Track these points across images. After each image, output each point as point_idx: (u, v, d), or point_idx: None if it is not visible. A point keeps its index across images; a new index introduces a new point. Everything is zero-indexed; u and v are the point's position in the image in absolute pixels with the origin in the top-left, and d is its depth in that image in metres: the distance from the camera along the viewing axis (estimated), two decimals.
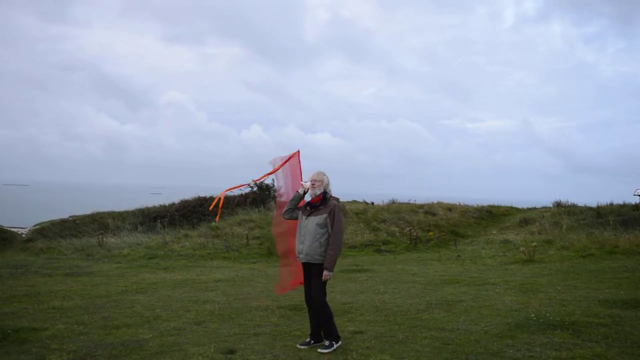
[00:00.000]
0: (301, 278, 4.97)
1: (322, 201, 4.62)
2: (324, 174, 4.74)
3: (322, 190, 4.67)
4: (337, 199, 4.77)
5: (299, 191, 4.79)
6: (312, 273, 4.56)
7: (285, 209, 4.82)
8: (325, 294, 4.63)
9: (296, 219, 4.77)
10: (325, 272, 4.46)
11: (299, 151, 5.27)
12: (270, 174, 5.27)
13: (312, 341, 4.71)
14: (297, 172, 5.24)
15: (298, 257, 4.66)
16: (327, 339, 4.57)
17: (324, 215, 4.53)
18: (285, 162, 5.22)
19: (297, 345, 4.71)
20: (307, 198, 4.78)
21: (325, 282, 4.56)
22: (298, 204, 4.77)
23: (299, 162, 5.27)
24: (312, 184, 4.69)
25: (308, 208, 4.67)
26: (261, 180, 5.18)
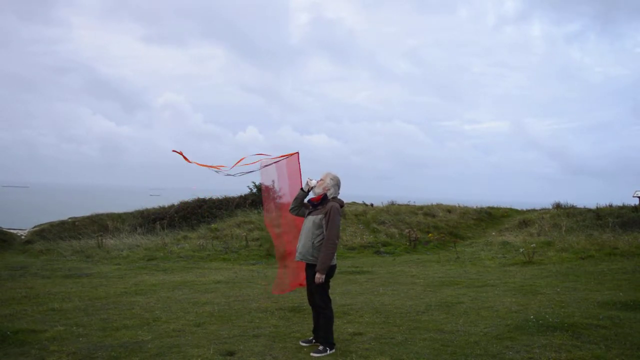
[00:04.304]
0: (301, 280, 4.99)
1: (322, 201, 4.63)
2: (332, 178, 4.70)
3: (321, 191, 4.68)
4: (341, 203, 4.69)
5: (303, 188, 4.81)
6: (309, 274, 4.57)
7: (291, 205, 4.86)
8: (328, 297, 4.60)
9: (302, 215, 4.80)
10: (317, 275, 4.40)
11: (298, 153, 5.24)
12: (260, 167, 5.16)
13: (314, 339, 4.72)
14: (297, 174, 5.22)
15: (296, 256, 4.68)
16: (321, 344, 4.54)
17: (320, 216, 4.52)
18: (279, 159, 5.17)
19: (300, 342, 4.75)
20: (312, 196, 4.81)
21: (325, 284, 4.51)
22: (302, 201, 4.81)
23: (299, 164, 5.24)
24: (318, 183, 4.73)
25: (310, 207, 4.72)
26: (243, 171, 5.27)
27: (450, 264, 11.63)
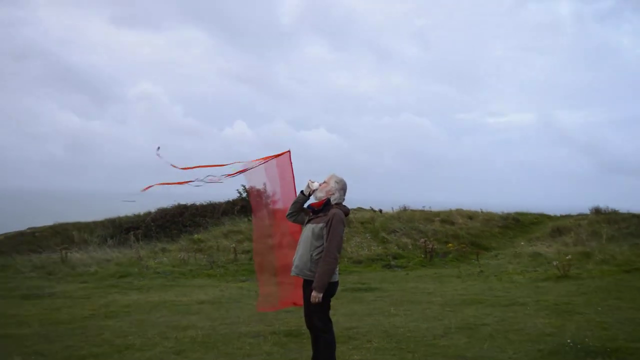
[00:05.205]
0: (295, 298, 5.00)
1: (324, 207, 4.63)
2: (337, 181, 4.72)
3: (324, 196, 4.68)
4: (346, 210, 4.69)
5: (303, 191, 4.82)
6: (306, 292, 4.54)
7: (288, 211, 4.87)
8: (328, 319, 4.58)
9: (301, 222, 4.81)
10: (313, 293, 4.36)
11: (289, 151, 5.27)
12: (243, 171, 5.24)
13: None
14: (289, 175, 5.25)
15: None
16: None
17: (321, 225, 4.51)
18: (268, 159, 5.20)
19: None
20: (313, 200, 4.82)
21: (324, 304, 4.47)
22: (302, 206, 4.82)
23: (290, 163, 5.27)
24: (320, 186, 4.75)
25: (310, 213, 4.72)
26: (233, 176, 5.37)
27: (472, 279, 11.72)
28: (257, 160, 5.27)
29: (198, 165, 5.29)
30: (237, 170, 5.28)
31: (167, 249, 15.25)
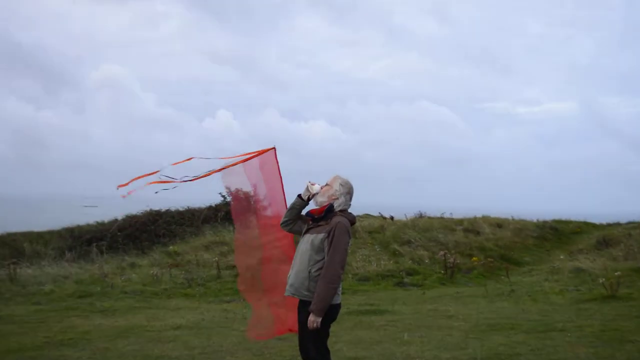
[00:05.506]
0: (290, 324, 5.01)
1: (326, 215, 4.61)
2: (342, 183, 4.74)
3: (326, 201, 4.68)
4: (351, 218, 4.70)
5: (302, 195, 4.82)
6: (303, 315, 4.52)
7: (283, 218, 4.88)
8: (326, 348, 4.56)
9: (298, 232, 4.82)
10: (310, 317, 4.36)
11: (274, 148, 5.34)
12: (214, 172, 5.25)
13: None
14: (275, 177, 5.31)
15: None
16: None
17: (322, 235, 4.49)
18: (248, 157, 5.25)
19: None
20: (313, 206, 4.81)
21: (322, 330, 4.45)
22: (299, 212, 4.84)
23: (277, 162, 5.33)
24: (322, 189, 4.76)
25: (309, 221, 4.72)
26: (203, 177, 5.33)
27: (501, 300, 11.70)
28: (235, 157, 5.30)
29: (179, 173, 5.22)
30: (210, 171, 5.25)
31: (136, 263, 15.16)
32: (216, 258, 14.96)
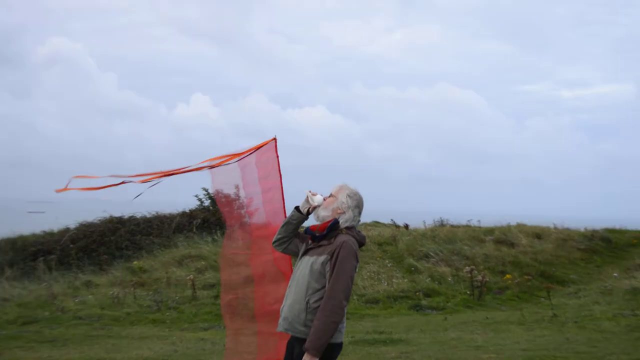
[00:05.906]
0: (278, 355, 4.94)
1: (330, 232, 4.41)
2: (350, 194, 4.55)
3: (330, 215, 4.49)
4: (361, 239, 4.47)
5: (301, 208, 4.68)
6: (294, 355, 4.33)
7: (276, 235, 4.75)
8: None
9: (295, 253, 4.70)
10: (305, 357, 4.12)
11: (275, 139, 5.34)
12: (203, 168, 5.28)
13: None
14: (274, 175, 5.26)
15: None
16: None
17: (323, 258, 4.30)
18: (246, 154, 5.26)
19: None
20: (314, 222, 4.65)
21: None
22: (297, 229, 4.71)
23: (277, 156, 5.31)
24: (325, 201, 4.63)
25: (309, 240, 4.56)
26: (185, 172, 5.12)
27: (541, 327, 11.42)
28: (228, 155, 5.32)
29: (157, 172, 5.18)
30: (191, 167, 5.25)
31: (93, 282, 14.92)
32: (191, 275, 14.48)
